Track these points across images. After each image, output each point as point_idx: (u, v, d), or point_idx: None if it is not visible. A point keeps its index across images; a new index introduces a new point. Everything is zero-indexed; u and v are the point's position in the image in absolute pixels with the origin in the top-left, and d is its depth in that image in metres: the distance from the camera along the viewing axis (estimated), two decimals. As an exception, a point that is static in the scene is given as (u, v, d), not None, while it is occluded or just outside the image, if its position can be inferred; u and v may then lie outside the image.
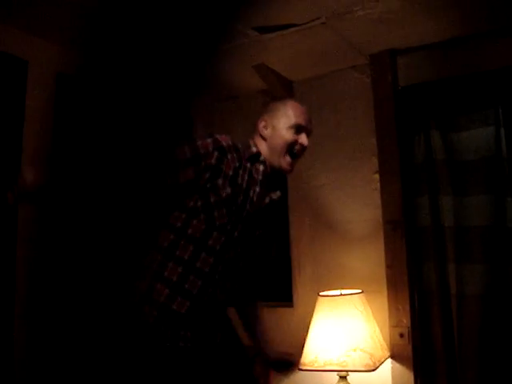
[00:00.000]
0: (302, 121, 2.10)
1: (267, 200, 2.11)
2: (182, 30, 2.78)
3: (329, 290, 2.96)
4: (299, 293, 3.29)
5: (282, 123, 2.09)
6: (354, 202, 3.17)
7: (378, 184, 3.07)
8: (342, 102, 3.28)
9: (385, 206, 3.03)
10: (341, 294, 2.87)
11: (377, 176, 3.09)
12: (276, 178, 2.17)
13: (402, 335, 2.86)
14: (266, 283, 2.43)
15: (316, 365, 2.68)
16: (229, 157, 1.97)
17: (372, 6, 2.58)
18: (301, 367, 2.73)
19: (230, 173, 1.97)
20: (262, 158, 2.09)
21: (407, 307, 2.87)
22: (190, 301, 1.93)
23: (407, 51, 3.07)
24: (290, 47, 3.00)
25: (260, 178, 2.07)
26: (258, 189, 2.06)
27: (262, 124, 2.13)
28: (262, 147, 2.11)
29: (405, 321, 2.87)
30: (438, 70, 2.99)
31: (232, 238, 1.99)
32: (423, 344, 2.86)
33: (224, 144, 1.98)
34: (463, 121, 2.88)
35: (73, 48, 2.87)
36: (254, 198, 2.04)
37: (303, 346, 2.79)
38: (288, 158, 2.09)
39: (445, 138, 2.92)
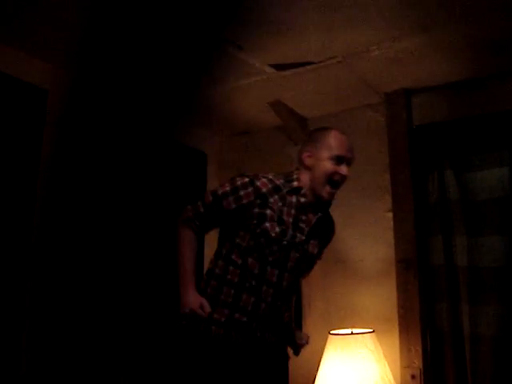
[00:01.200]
0: (342, 151, 2.18)
1: (313, 220, 2.21)
2: (198, 65, 2.83)
3: (339, 328, 2.92)
4: (309, 330, 3.24)
5: (324, 154, 2.18)
6: (366, 239, 3.15)
7: (391, 222, 3.06)
8: (357, 139, 3.24)
9: (398, 244, 3.01)
10: (352, 333, 2.83)
11: (390, 214, 3.08)
12: (324, 219, 2.27)
13: (413, 377, 2.81)
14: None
15: None
16: (271, 200, 2.14)
17: (388, 45, 2.62)
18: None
19: (275, 214, 2.13)
20: (303, 191, 2.19)
21: (419, 348, 2.83)
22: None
23: (422, 91, 3.10)
24: (305, 84, 3.04)
25: (305, 207, 2.19)
26: (304, 217, 2.19)
27: (305, 154, 2.24)
28: (306, 177, 2.21)
29: (416, 362, 2.82)
30: (452, 110, 3.01)
31: (286, 269, 2.15)
32: (435, 386, 2.81)
33: (264, 190, 2.14)
34: (477, 161, 2.88)
35: (82, 75, 2.92)
36: (304, 226, 2.18)
37: (313, 385, 2.75)
38: (328, 188, 2.18)
39: (459, 178, 2.91)
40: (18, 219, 2.55)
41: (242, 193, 2.14)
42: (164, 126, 3.44)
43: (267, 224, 2.10)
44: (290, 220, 2.15)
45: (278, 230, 2.11)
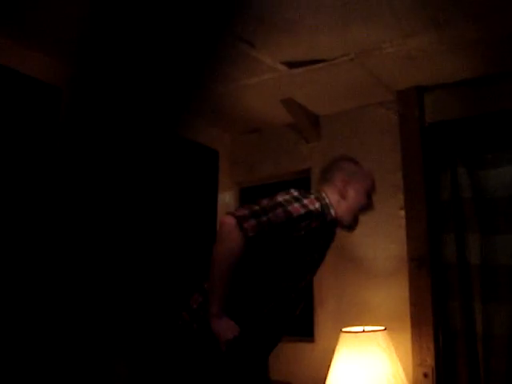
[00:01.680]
0: (374, 188, 2.31)
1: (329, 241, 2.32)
2: (211, 63, 2.84)
3: (351, 326, 2.92)
4: (321, 328, 3.25)
5: (361, 188, 2.26)
6: (378, 237, 3.14)
7: (404, 220, 3.05)
8: (369, 137, 3.29)
9: (410, 242, 3.00)
10: (364, 331, 2.83)
11: (402, 212, 3.07)
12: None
13: (425, 375, 2.80)
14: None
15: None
16: (313, 224, 2.11)
17: (400, 43, 2.62)
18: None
19: (314, 238, 2.16)
20: (336, 219, 2.23)
21: (431, 346, 2.82)
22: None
23: (434, 88, 3.09)
24: (317, 82, 3.03)
25: (329, 236, 2.29)
26: (324, 242, 2.27)
27: (343, 183, 2.25)
28: (341, 205, 2.23)
29: (429, 360, 2.81)
30: (465, 108, 3.00)
31: (298, 287, 2.23)
32: (448, 385, 2.80)
33: (312, 208, 2.10)
34: (490, 158, 2.87)
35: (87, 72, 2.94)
36: (324, 248, 2.29)
37: (324, 383, 2.75)
38: (357, 219, 2.28)
39: (471, 176, 2.90)
40: (32, 219, 2.58)
41: (290, 207, 2.06)
42: (177, 124, 3.45)
43: (306, 245, 2.16)
44: (321, 244, 2.24)
45: (315, 256, 2.23)
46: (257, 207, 2.01)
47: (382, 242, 3.13)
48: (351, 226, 2.28)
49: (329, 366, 2.79)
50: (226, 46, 2.66)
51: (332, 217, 2.19)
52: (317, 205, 2.12)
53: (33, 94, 2.64)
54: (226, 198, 3.84)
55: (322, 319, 3.26)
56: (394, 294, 3.02)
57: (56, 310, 2.62)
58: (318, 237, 2.18)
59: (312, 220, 2.08)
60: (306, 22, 2.44)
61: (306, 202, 2.09)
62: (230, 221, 1.96)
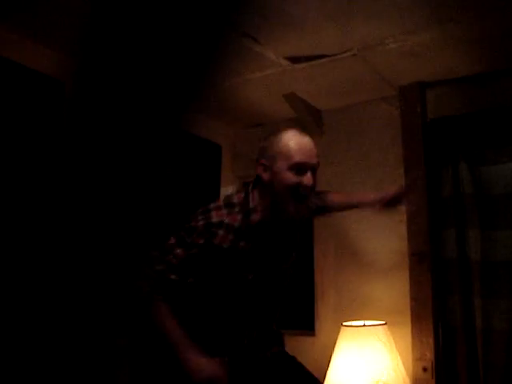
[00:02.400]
0: (302, 158, 1.84)
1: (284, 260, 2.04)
2: (214, 57, 2.84)
3: (352, 320, 2.94)
4: (321, 321, 3.27)
5: (281, 164, 1.85)
6: (379, 232, 3.16)
7: (405, 215, 3.06)
8: (371, 132, 3.30)
9: (411, 237, 3.01)
10: (364, 325, 2.85)
11: (403, 207, 3.08)
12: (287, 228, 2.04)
13: (425, 369, 2.83)
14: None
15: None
16: (220, 232, 1.89)
17: (403, 38, 2.62)
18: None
19: (225, 245, 1.89)
20: (256, 209, 1.93)
21: (431, 341, 2.84)
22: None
23: (437, 84, 3.09)
24: (320, 77, 3.04)
25: (258, 233, 1.94)
26: (267, 236, 1.97)
27: (260, 168, 1.92)
28: (265, 194, 1.93)
29: (428, 354, 2.83)
30: (467, 104, 3.00)
31: (254, 292, 1.99)
32: (447, 379, 2.82)
33: (214, 221, 1.91)
34: (492, 155, 2.88)
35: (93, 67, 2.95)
36: (269, 245, 1.98)
37: (325, 376, 2.77)
38: (293, 203, 1.86)
39: (473, 172, 2.91)
40: (36, 218, 2.59)
41: (192, 237, 1.94)
42: (179, 118, 3.46)
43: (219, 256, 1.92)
44: (248, 244, 1.92)
45: (234, 260, 1.93)
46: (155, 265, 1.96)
47: (382, 236, 3.14)
48: (290, 216, 1.90)
49: (329, 359, 2.81)
50: (229, 40, 2.66)
51: (247, 208, 1.92)
52: (214, 219, 1.91)
53: (35, 88, 2.64)
54: (229, 192, 3.84)
55: (323, 313, 3.28)
56: (395, 288, 3.03)
57: (56, 308, 2.63)
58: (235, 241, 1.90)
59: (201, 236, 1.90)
60: (309, 18, 2.44)
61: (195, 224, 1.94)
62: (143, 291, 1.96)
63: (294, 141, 1.86)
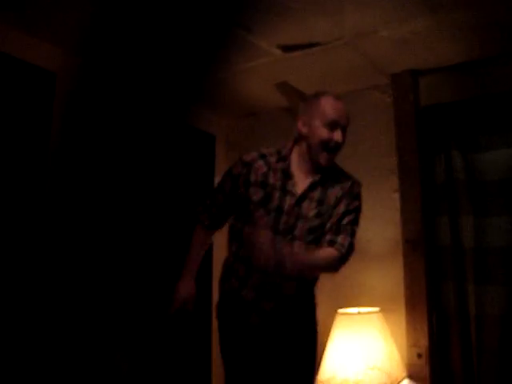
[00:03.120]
0: (335, 116, 2.16)
1: (306, 185, 2.22)
2: (205, 47, 2.84)
3: (346, 307, 2.96)
4: (317, 309, 3.27)
5: (317, 121, 2.17)
6: (373, 220, 3.16)
7: (398, 203, 3.07)
8: (363, 120, 3.29)
9: (404, 225, 3.03)
10: (359, 313, 2.86)
11: (397, 195, 3.09)
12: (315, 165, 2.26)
13: (419, 355, 2.84)
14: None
15: (333, 383, 2.67)
16: (255, 166, 2.25)
17: (395, 26, 2.62)
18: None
19: (259, 178, 2.22)
20: (291, 157, 2.25)
21: (425, 327, 2.85)
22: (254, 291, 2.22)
23: (429, 71, 3.10)
24: (312, 66, 3.04)
25: (293, 172, 2.24)
26: (293, 181, 2.22)
27: (300, 123, 2.24)
28: (301, 145, 2.24)
29: (423, 341, 2.85)
30: (459, 91, 3.01)
31: (278, 230, 2.16)
32: (441, 365, 2.84)
33: (249, 159, 2.28)
34: (484, 141, 2.89)
35: (94, 61, 2.93)
36: (293, 189, 2.21)
37: (320, 364, 2.79)
38: (325, 154, 2.18)
39: (466, 159, 2.92)
40: (26, 207, 2.58)
41: (233, 170, 2.31)
42: (173, 109, 3.45)
43: (251, 189, 2.20)
44: (277, 184, 2.21)
45: (261, 193, 2.19)
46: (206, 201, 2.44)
47: (376, 224, 3.15)
48: (320, 163, 2.20)
49: (324, 346, 2.83)
50: (221, 30, 2.66)
51: (281, 154, 2.26)
52: (266, 151, 2.30)
53: (26, 79, 2.64)
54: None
55: (318, 301, 3.26)
56: (389, 275, 3.05)
57: (58, 308, 2.65)
58: (264, 177, 2.22)
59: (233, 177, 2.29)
60: (300, 6, 2.44)
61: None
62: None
63: (329, 102, 2.19)
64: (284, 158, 2.25)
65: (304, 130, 2.22)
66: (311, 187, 2.22)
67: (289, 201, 2.19)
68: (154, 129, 3.28)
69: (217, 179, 3.69)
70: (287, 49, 2.84)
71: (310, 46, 2.81)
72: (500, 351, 2.70)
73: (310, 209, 2.21)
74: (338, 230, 2.21)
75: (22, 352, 2.46)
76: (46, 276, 2.61)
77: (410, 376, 2.85)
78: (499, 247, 2.77)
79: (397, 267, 3.00)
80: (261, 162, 2.25)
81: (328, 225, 2.22)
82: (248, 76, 3.17)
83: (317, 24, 2.60)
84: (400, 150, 3.11)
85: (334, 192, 2.26)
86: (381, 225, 3.14)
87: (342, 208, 2.25)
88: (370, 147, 3.24)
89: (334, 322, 2.84)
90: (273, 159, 2.26)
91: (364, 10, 2.48)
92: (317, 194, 2.23)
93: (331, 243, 2.18)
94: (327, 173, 2.26)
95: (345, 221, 2.24)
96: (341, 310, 2.89)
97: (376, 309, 2.86)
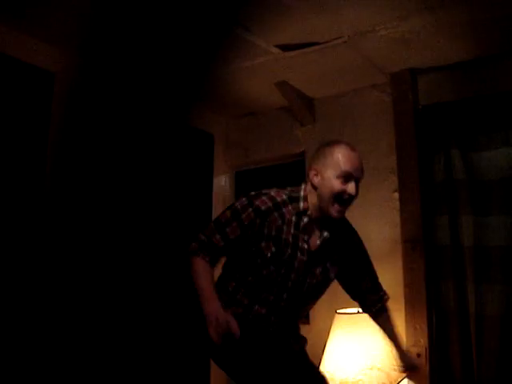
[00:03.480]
0: (349, 168, 2.06)
1: (318, 242, 2.16)
2: (204, 47, 2.83)
3: (346, 307, 2.94)
4: (316, 309, 3.24)
5: (330, 172, 2.07)
6: (372, 220, 3.16)
7: (398, 203, 3.07)
8: (362, 120, 3.29)
9: (404, 224, 3.02)
10: (358, 312, 2.85)
11: (396, 194, 3.09)
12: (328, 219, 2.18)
13: (419, 355, 2.84)
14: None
15: (332, 383, 2.66)
16: (269, 219, 2.09)
17: (394, 25, 2.61)
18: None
19: (273, 233, 2.09)
20: (308, 212, 2.13)
21: (425, 327, 2.85)
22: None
23: (428, 70, 3.09)
24: (311, 65, 3.03)
25: (305, 227, 2.13)
26: (306, 237, 2.13)
27: (312, 173, 2.13)
28: (313, 195, 2.13)
29: (422, 340, 2.85)
30: (458, 90, 3.00)
31: (286, 287, 2.12)
32: (441, 364, 2.83)
33: (263, 208, 2.09)
34: (484, 141, 2.88)
35: (93, 61, 2.93)
36: (305, 246, 2.12)
37: (319, 364, 2.78)
38: (336, 206, 2.08)
39: (465, 158, 2.91)
40: (25, 207, 2.58)
41: (243, 216, 2.09)
42: (171, 108, 3.44)
43: (263, 243, 2.08)
44: (290, 239, 2.10)
45: (273, 249, 2.08)
46: (202, 237, 2.14)
47: (376, 224, 3.14)
48: (331, 215, 2.09)
49: (324, 347, 2.82)
50: (220, 29, 2.65)
51: (299, 209, 2.12)
52: (280, 198, 2.12)
53: (25, 79, 2.63)
54: (222, 182, 3.85)
55: (318, 301, 3.28)
56: (388, 275, 3.02)
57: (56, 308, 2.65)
58: (279, 231, 2.09)
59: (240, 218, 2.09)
60: (299, 5, 2.43)
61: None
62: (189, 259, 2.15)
63: (344, 153, 2.08)
64: (299, 209, 2.13)
65: (316, 180, 2.11)
66: (323, 245, 2.17)
67: (300, 257, 2.11)
68: (153, 128, 3.28)
69: (215, 178, 3.71)
70: (286, 48, 2.84)
71: (309, 45, 2.80)
72: (500, 350, 2.69)
73: (318, 265, 2.18)
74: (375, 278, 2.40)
75: (22, 352, 2.46)
76: (46, 276, 2.60)
77: (410, 376, 2.84)
78: (498, 246, 2.76)
79: (396, 267, 3.00)
80: (276, 214, 2.10)
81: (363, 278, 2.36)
82: (247, 75, 3.17)
83: (316, 23, 2.59)
84: (399, 149, 3.10)
85: (351, 245, 2.32)
86: (380, 224, 3.13)
87: (362, 256, 2.37)
88: (369, 147, 3.23)
89: (334, 322, 2.83)
90: (286, 210, 2.12)
91: (362, 9, 2.47)
92: (326, 249, 2.19)
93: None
94: (337, 226, 2.21)
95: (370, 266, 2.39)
96: (340, 310, 2.88)
97: (375, 309, 2.85)
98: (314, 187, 2.12)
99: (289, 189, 2.19)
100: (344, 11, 2.49)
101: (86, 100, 2.90)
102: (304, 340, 2.34)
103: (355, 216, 3.17)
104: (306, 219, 2.12)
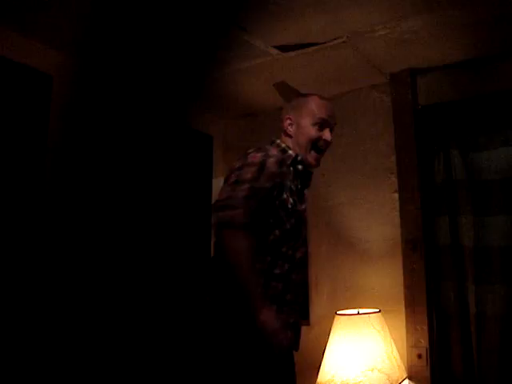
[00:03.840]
0: (324, 115, 2.14)
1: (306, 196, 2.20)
2: (202, 48, 2.82)
3: (346, 308, 2.94)
4: (316, 311, 3.27)
5: (306, 120, 2.14)
6: (372, 220, 3.15)
7: (397, 203, 3.06)
8: (362, 120, 3.29)
9: (404, 225, 3.01)
10: (358, 313, 2.85)
11: (396, 195, 3.08)
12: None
13: (419, 356, 2.83)
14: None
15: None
16: (284, 169, 2.07)
17: (393, 25, 2.61)
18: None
19: (288, 184, 2.06)
20: (299, 157, 2.14)
21: (425, 327, 2.84)
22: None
23: (427, 71, 3.08)
24: (310, 66, 3.02)
25: (301, 175, 2.16)
26: (299, 186, 2.15)
27: (287, 122, 2.20)
28: (289, 144, 2.16)
29: (423, 341, 2.84)
30: (458, 90, 3.00)
31: (300, 241, 2.10)
32: (441, 365, 2.82)
33: (281, 159, 2.07)
34: (483, 141, 2.87)
35: (88, 62, 2.92)
36: (304, 196, 2.18)
37: (320, 365, 2.77)
38: (314, 154, 2.15)
39: (465, 158, 2.90)
40: (24, 211, 2.57)
41: (268, 165, 1.99)
42: (170, 109, 3.44)
43: (285, 194, 2.02)
44: (296, 190, 2.11)
45: (291, 200, 2.05)
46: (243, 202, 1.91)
47: (376, 225, 3.14)
48: (309, 163, 2.14)
49: (324, 348, 2.81)
50: (218, 30, 2.64)
51: (291, 156, 2.12)
52: (280, 155, 2.08)
53: (23, 81, 2.62)
54: (221, 183, 3.83)
55: (317, 302, 3.28)
56: (389, 276, 3.03)
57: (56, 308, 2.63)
58: (289, 181, 2.07)
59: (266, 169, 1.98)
60: (297, 5, 2.42)
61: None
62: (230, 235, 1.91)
63: (318, 101, 2.18)
64: (295, 160, 2.13)
65: (291, 129, 2.18)
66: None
67: (299, 206, 2.12)
68: (152, 129, 3.27)
69: (215, 180, 3.70)
70: (284, 48, 2.83)
71: (307, 45, 2.79)
72: (501, 351, 2.68)
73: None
74: None
75: (20, 352, 2.45)
76: (45, 275, 2.60)
77: (411, 377, 2.84)
78: (499, 246, 2.75)
79: (396, 268, 2.99)
80: (284, 168, 2.07)
81: None
82: (245, 76, 3.16)
83: (314, 23, 2.58)
84: (399, 149, 3.09)
85: None
86: (380, 225, 3.13)
87: None
88: (368, 147, 3.23)
89: (334, 324, 2.82)
90: (288, 162, 2.11)
91: (361, 9, 2.46)
92: None
93: None
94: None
95: None
96: (340, 312, 2.87)
97: (376, 310, 2.84)
98: (290, 136, 2.18)
99: (268, 145, 2.15)
100: (342, 11, 2.48)
101: (85, 102, 2.89)
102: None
103: (355, 216, 3.21)
104: (300, 167, 2.14)
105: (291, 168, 2.12)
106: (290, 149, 2.15)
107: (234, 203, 1.89)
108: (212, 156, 3.76)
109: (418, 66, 3.06)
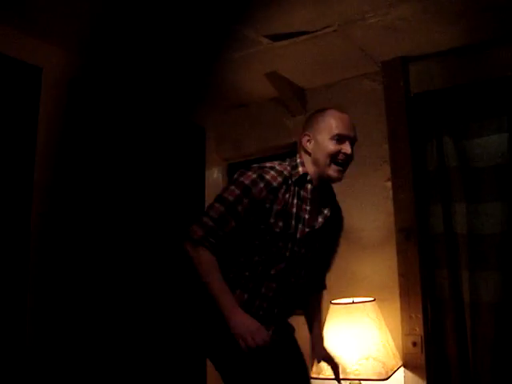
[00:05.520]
0: (342, 130, 2.08)
1: (320, 219, 2.15)
2: (193, 38, 2.80)
3: (341, 298, 2.94)
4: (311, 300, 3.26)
5: (324, 135, 2.08)
6: (366, 209, 3.15)
7: (391, 191, 3.06)
8: (354, 109, 3.25)
9: (397, 213, 3.01)
10: (353, 302, 2.85)
11: (389, 183, 3.08)
12: (325, 193, 2.20)
13: (414, 344, 2.84)
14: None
15: (328, 373, 2.65)
16: (279, 195, 2.03)
17: (384, 13, 2.59)
18: (312, 375, 2.71)
19: (282, 207, 2.03)
20: (308, 177, 2.11)
21: (420, 315, 2.85)
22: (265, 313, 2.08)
23: (419, 58, 3.07)
24: (302, 55, 3.01)
25: (309, 196, 2.11)
26: (308, 207, 2.11)
27: (305, 139, 2.14)
28: (308, 162, 2.12)
29: (418, 329, 2.85)
30: (450, 77, 2.99)
31: (292, 263, 2.09)
32: (436, 353, 2.83)
33: (275, 184, 2.03)
34: (476, 128, 2.87)
35: (83, 54, 2.90)
36: (307, 217, 2.10)
37: (315, 354, 2.77)
38: (334, 166, 2.08)
39: (457, 145, 2.90)
40: (14, 208, 2.55)
41: (254, 191, 1.99)
42: (162, 102, 3.42)
43: (272, 219, 2.02)
44: (294, 210, 2.06)
45: (281, 224, 2.03)
46: (209, 222, 1.98)
47: (369, 213, 3.14)
48: (331, 177, 2.09)
49: (319, 337, 2.81)
50: (209, 20, 2.63)
51: (298, 174, 2.08)
52: (286, 171, 2.07)
53: (12, 74, 2.60)
54: (214, 174, 3.83)
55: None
56: (383, 264, 3.04)
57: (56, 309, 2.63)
58: (286, 205, 2.04)
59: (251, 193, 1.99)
60: (287, -6, 2.42)
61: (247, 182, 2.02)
62: (190, 248, 2.00)
63: (335, 116, 2.12)
64: (302, 178, 2.10)
65: (309, 145, 2.12)
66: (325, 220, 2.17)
67: (301, 228, 2.09)
68: (144, 121, 3.25)
69: (207, 171, 3.69)
70: (276, 38, 2.81)
71: (298, 34, 2.78)
72: (495, 338, 2.69)
73: (317, 239, 2.18)
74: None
75: (20, 352, 2.46)
76: (44, 274, 2.59)
77: (406, 365, 2.85)
78: (492, 233, 2.76)
79: (390, 256, 3.00)
80: (285, 188, 2.05)
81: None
82: (237, 66, 3.14)
83: (304, 12, 2.57)
84: (391, 138, 3.09)
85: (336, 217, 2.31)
86: (374, 214, 3.13)
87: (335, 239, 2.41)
88: (361, 136, 3.15)
89: (329, 313, 2.83)
90: (291, 182, 2.08)
91: (351, -4, 2.45)
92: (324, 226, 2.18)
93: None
94: (333, 200, 2.26)
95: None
96: (335, 301, 2.87)
97: (370, 298, 2.85)
98: (308, 153, 2.12)
99: (288, 160, 2.16)
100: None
101: (75, 94, 2.87)
102: (292, 328, 2.34)
103: (349, 205, 3.16)
104: (309, 186, 2.11)
105: (295, 188, 2.08)
106: (303, 166, 2.11)
107: (204, 219, 1.99)
108: (204, 147, 3.75)
109: (409, 53, 3.05)
